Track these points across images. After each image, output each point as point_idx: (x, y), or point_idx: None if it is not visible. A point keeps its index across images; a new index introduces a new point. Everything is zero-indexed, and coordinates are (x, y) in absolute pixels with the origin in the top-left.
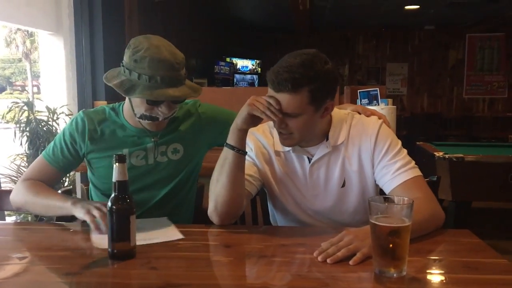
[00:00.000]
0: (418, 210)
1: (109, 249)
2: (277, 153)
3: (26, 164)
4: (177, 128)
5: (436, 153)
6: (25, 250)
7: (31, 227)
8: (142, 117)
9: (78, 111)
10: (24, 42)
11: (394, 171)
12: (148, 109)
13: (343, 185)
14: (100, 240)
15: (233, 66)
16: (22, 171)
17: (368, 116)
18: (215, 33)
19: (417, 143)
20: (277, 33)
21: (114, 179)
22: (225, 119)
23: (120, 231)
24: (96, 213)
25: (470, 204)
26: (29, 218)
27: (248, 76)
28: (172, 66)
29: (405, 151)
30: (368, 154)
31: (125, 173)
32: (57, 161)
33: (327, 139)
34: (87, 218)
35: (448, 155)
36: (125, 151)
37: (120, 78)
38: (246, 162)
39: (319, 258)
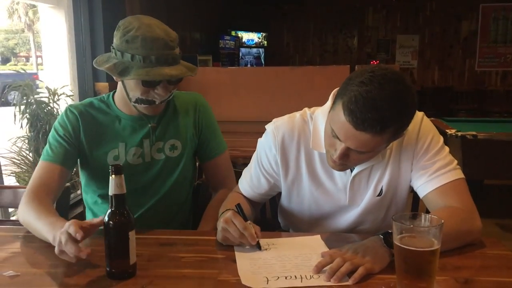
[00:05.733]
0: (452, 221)
1: (107, 268)
2: (313, 153)
3: (28, 146)
4: (175, 123)
5: (448, 131)
6: (15, 267)
7: (19, 234)
8: (138, 101)
9: (79, 92)
10: (27, 13)
11: (432, 173)
12: (144, 92)
13: (379, 194)
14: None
15: (238, 40)
16: (24, 153)
17: None
18: (220, 6)
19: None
20: (284, 4)
21: (110, 192)
22: (214, 130)
23: (118, 249)
24: (68, 248)
25: (483, 182)
26: None
27: (254, 50)
28: (166, 44)
29: (447, 149)
30: (409, 153)
31: (123, 185)
32: (59, 157)
33: None
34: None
35: (461, 133)
36: (121, 145)
37: (111, 61)
38: (259, 177)
39: (324, 279)
